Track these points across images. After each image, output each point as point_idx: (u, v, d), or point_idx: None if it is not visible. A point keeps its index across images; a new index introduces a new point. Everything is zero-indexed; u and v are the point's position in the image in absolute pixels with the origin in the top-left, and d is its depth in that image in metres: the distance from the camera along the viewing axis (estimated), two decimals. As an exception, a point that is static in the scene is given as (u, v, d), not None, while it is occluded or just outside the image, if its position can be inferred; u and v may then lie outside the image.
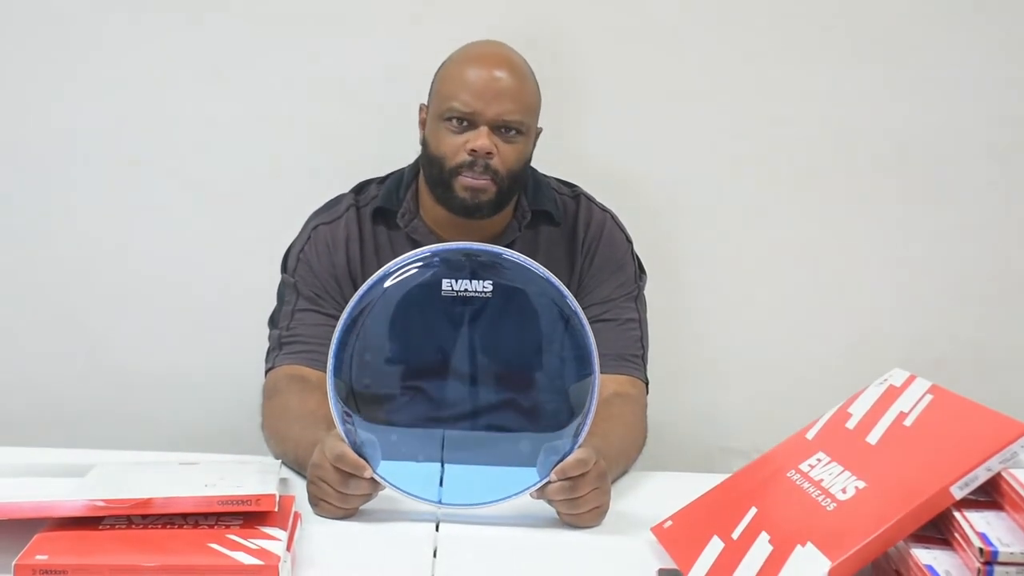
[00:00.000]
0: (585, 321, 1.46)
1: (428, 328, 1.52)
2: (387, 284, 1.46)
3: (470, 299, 1.47)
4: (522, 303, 1.48)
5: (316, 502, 1.46)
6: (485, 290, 1.45)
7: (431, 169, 1.77)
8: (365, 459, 1.43)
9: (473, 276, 1.45)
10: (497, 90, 1.72)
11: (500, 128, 1.73)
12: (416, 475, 1.47)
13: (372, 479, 1.44)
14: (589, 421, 1.44)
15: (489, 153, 1.71)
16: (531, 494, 1.45)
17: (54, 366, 2.23)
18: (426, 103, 1.82)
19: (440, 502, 1.47)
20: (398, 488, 1.45)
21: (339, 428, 1.44)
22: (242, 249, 2.20)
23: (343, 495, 1.44)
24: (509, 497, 1.46)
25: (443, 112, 1.74)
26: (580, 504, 1.45)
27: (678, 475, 1.73)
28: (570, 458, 1.43)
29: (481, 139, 1.71)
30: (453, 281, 1.45)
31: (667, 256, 2.19)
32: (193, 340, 2.23)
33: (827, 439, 1.41)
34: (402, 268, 1.46)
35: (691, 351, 2.27)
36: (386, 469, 1.45)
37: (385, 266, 1.47)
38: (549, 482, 1.44)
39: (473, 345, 1.53)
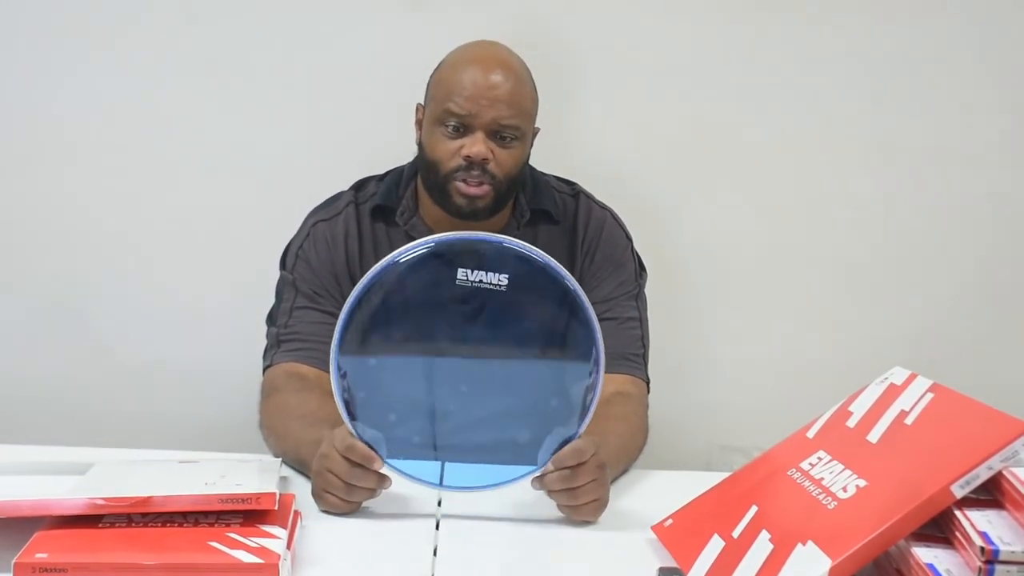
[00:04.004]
0: (593, 315, 1.44)
1: (433, 316, 1.51)
2: (397, 270, 1.44)
3: (481, 290, 1.46)
4: (533, 296, 1.47)
5: (321, 495, 1.46)
6: (500, 283, 1.45)
7: (427, 173, 1.77)
8: (367, 443, 1.43)
9: (490, 268, 1.44)
10: (493, 95, 1.71)
11: (496, 133, 1.72)
12: (416, 471, 1.47)
13: (379, 473, 1.44)
14: (591, 412, 1.44)
15: (485, 159, 1.71)
16: (532, 483, 1.45)
17: (54, 365, 2.23)
18: (422, 103, 1.82)
19: (440, 484, 1.46)
20: (400, 471, 1.45)
21: (345, 419, 1.43)
22: (241, 246, 2.19)
23: (350, 487, 1.44)
24: (509, 482, 1.45)
25: (438, 116, 1.73)
26: (578, 495, 1.45)
27: (679, 474, 1.73)
28: (567, 447, 1.43)
29: (477, 145, 1.71)
30: (468, 271, 1.44)
31: (667, 254, 2.19)
32: (192, 338, 2.23)
33: (828, 438, 1.41)
34: (414, 253, 1.44)
35: (691, 350, 2.27)
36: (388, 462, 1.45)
37: (395, 251, 1.45)
38: (546, 470, 1.44)
39: (479, 335, 1.51)
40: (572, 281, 1.45)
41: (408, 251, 1.45)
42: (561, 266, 1.45)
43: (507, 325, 1.48)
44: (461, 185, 1.72)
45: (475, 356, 1.51)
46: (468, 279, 1.44)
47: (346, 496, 1.45)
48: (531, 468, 1.45)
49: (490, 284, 1.44)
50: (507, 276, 1.44)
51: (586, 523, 1.48)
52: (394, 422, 1.48)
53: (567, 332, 1.47)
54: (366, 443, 1.43)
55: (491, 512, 1.48)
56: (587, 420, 1.44)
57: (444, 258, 1.45)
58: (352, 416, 1.44)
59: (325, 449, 1.45)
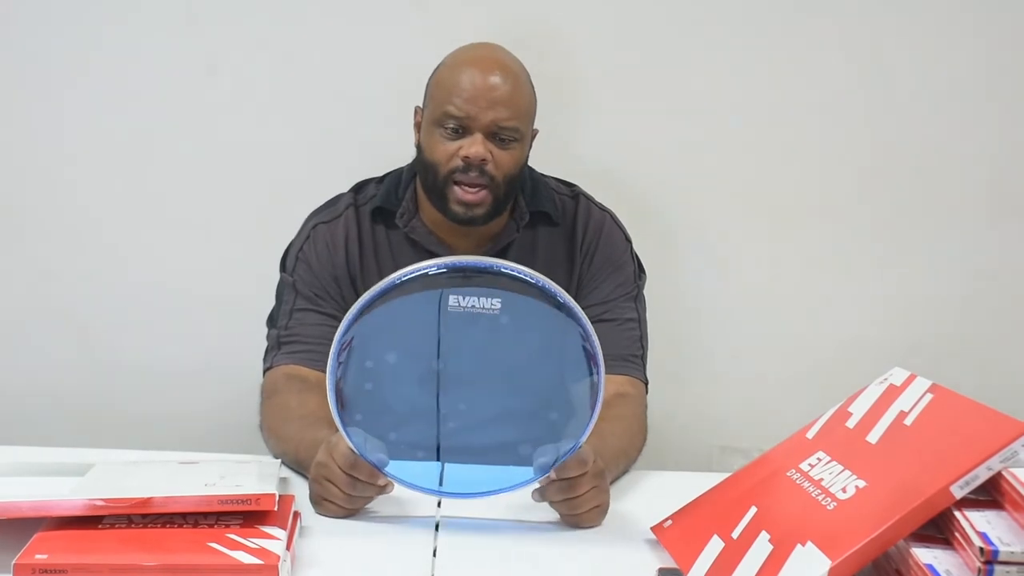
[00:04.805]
0: (593, 334, 1.41)
1: (431, 338, 1.50)
2: (393, 293, 1.41)
3: (477, 314, 1.45)
4: (529, 319, 1.45)
5: (319, 501, 1.46)
6: (493, 307, 1.43)
7: (426, 175, 1.77)
8: (371, 462, 1.42)
9: (481, 293, 1.42)
10: (492, 96, 1.71)
11: (495, 134, 1.72)
12: (416, 473, 1.47)
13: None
14: (591, 425, 1.42)
15: (484, 160, 1.71)
16: (532, 495, 1.45)
17: (54, 365, 2.23)
18: (421, 105, 1.81)
19: (440, 491, 1.46)
20: (400, 480, 1.44)
21: (342, 430, 1.42)
22: (242, 248, 2.20)
23: (349, 497, 1.44)
24: (509, 489, 1.45)
25: (437, 118, 1.73)
26: (580, 504, 1.45)
27: (678, 474, 1.73)
28: (571, 459, 1.42)
29: (475, 146, 1.70)
30: (461, 297, 1.42)
31: (666, 256, 2.19)
32: (192, 340, 2.23)
33: (827, 438, 1.41)
34: (410, 277, 1.41)
35: (691, 351, 2.27)
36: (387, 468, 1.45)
37: (393, 275, 1.41)
38: (548, 481, 1.44)
39: (477, 355, 1.50)
40: (569, 299, 1.42)
41: (407, 274, 1.41)
42: (557, 286, 1.43)
43: (505, 343, 1.47)
44: (458, 191, 1.72)
45: (474, 369, 1.51)
46: (460, 305, 1.43)
47: (345, 504, 1.45)
48: (531, 476, 1.45)
49: (483, 309, 1.43)
50: (499, 300, 1.42)
51: (589, 528, 1.48)
52: (393, 428, 1.47)
53: (567, 349, 1.46)
54: (363, 451, 1.42)
55: (490, 514, 1.48)
56: (587, 433, 1.43)
57: (440, 281, 1.43)
58: (346, 422, 1.42)
59: (322, 458, 1.44)
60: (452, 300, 1.42)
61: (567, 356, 1.45)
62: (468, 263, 1.43)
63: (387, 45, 2.16)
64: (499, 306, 1.42)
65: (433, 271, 1.41)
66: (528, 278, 1.41)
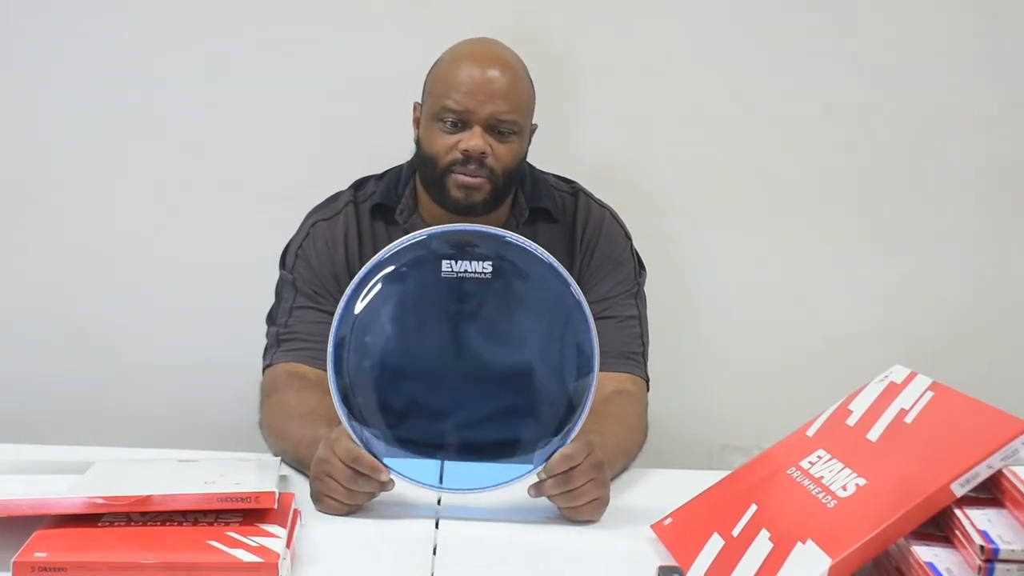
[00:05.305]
0: (586, 305, 1.44)
1: (427, 313, 1.51)
2: (382, 271, 1.45)
3: (469, 283, 1.46)
4: (522, 286, 1.47)
5: (320, 498, 1.46)
6: (484, 271, 1.44)
7: (424, 168, 1.77)
8: (372, 453, 1.43)
9: (473, 257, 1.44)
10: (490, 90, 1.71)
11: (493, 128, 1.72)
12: (416, 470, 1.47)
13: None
14: (583, 417, 1.44)
15: (483, 153, 1.71)
16: (528, 491, 1.45)
17: (54, 365, 2.23)
18: (420, 102, 1.82)
19: (440, 485, 1.47)
20: (401, 474, 1.45)
21: (345, 424, 1.43)
22: (241, 246, 2.19)
23: (351, 492, 1.44)
24: (509, 482, 1.45)
25: (436, 112, 1.73)
26: (577, 497, 1.45)
27: (678, 472, 1.73)
28: (556, 455, 1.43)
29: (474, 139, 1.71)
30: (453, 262, 1.44)
31: (667, 253, 2.19)
32: (192, 338, 2.23)
33: (828, 436, 1.41)
34: (397, 252, 1.45)
35: (691, 348, 2.27)
36: (387, 463, 1.45)
37: (379, 252, 1.46)
38: (543, 478, 1.44)
39: (472, 332, 1.51)
40: (570, 278, 1.45)
41: (397, 246, 1.45)
42: (559, 263, 1.45)
43: (502, 322, 1.48)
44: (459, 176, 1.72)
45: (471, 354, 1.51)
46: (452, 270, 1.44)
47: (346, 500, 1.45)
48: (528, 468, 1.45)
49: (475, 273, 1.44)
50: (491, 263, 1.44)
51: (588, 523, 1.48)
52: (393, 422, 1.48)
53: (564, 333, 1.47)
54: (365, 446, 1.43)
55: (491, 511, 1.48)
56: (578, 425, 1.44)
57: (435, 252, 1.45)
58: (352, 416, 1.44)
59: (323, 453, 1.45)
60: (445, 265, 1.44)
61: (566, 349, 1.46)
62: (469, 229, 1.47)
63: (387, 44, 2.16)
64: (490, 269, 1.43)
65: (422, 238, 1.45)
66: (538, 253, 1.44)
